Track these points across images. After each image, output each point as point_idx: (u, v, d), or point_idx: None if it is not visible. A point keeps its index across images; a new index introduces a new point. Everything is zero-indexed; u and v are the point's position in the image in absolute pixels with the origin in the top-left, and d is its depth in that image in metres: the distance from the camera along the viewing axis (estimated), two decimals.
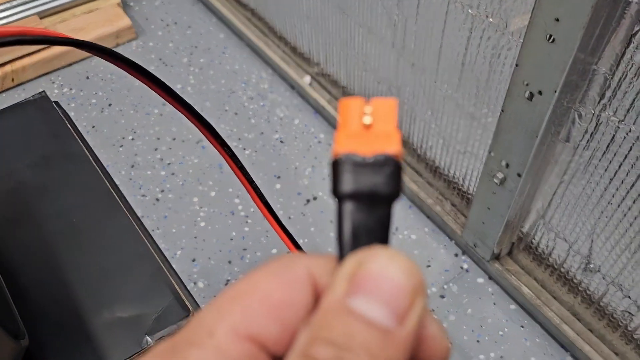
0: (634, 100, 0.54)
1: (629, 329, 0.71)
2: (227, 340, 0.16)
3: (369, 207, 0.18)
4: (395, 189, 0.18)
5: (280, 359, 0.17)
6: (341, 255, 0.18)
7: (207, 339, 0.16)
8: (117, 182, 0.56)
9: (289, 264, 0.17)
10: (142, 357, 0.15)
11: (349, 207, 0.18)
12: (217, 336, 0.16)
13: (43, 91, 0.60)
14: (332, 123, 1.07)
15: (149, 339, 0.43)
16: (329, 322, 0.15)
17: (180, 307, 0.45)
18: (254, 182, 0.41)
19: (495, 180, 0.73)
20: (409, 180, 0.93)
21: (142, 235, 0.51)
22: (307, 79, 1.10)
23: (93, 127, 1.09)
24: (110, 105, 1.12)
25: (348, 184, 0.18)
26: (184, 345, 0.16)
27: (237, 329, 0.16)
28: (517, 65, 0.61)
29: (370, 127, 0.18)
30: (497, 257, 0.84)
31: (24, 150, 0.56)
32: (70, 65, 1.19)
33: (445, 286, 0.87)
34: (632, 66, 0.53)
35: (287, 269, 0.17)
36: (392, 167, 0.18)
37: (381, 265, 0.16)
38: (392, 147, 0.18)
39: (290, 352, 0.16)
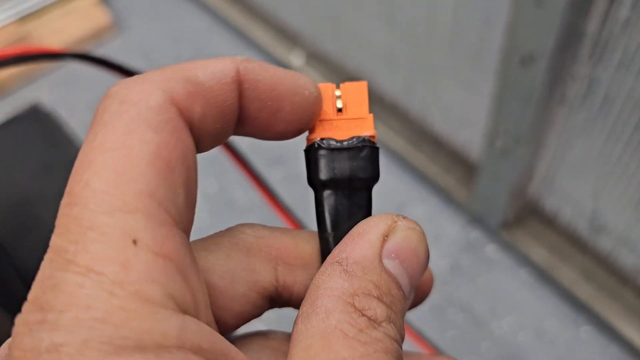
0: (621, 56, 0.58)
1: (639, 283, 0.75)
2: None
3: (349, 192, 0.18)
4: (374, 172, 0.18)
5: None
6: (324, 243, 0.18)
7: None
8: None
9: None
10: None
11: (328, 194, 0.18)
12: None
13: (37, 103, 0.64)
14: None
15: None
16: (370, 273, 0.16)
17: None
18: (256, 173, 0.44)
19: (496, 148, 0.77)
20: (413, 154, 0.97)
21: None
22: (301, 60, 1.13)
23: (86, 129, 1.12)
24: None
25: (326, 171, 0.18)
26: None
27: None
28: (506, 31, 0.64)
29: (343, 112, 0.18)
30: (505, 225, 0.87)
31: (25, 162, 0.60)
32: (56, 68, 1.22)
33: (456, 257, 0.91)
34: (616, 23, 0.57)
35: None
36: (369, 150, 0.18)
37: (415, 241, 0.17)
38: (367, 129, 0.18)
39: (325, 297, 0.16)
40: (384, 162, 1.02)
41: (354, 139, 0.18)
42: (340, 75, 1.06)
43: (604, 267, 0.79)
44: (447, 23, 0.76)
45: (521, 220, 0.87)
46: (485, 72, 0.75)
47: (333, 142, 0.18)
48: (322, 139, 0.18)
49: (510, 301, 0.86)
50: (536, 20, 0.60)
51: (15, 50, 0.37)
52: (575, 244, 0.82)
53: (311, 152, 0.18)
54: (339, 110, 0.18)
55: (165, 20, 1.31)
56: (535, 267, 0.86)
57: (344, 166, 0.18)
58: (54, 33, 1.23)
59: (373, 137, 0.18)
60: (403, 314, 0.17)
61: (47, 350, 0.12)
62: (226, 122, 0.17)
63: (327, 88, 0.18)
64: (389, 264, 0.17)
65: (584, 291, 0.80)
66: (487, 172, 0.82)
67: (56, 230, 0.14)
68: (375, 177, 0.18)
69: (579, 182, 0.74)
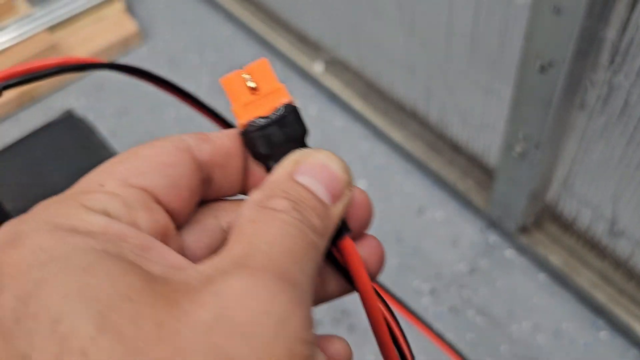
0: None
1: None
2: (118, 188, 0.18)
3: (290, 150, 0.20)
4: (303, 128, 0.21)
5: (173, 212, 0.19)
6: None
7: (99, 188, 0.18)
8: None
9: (166, 138, 0.20)
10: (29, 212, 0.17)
11: (274, 161, 0.20)
12: (108, 186, 0.18)
13: (70, 109, 0.66)
14: (348, 109, 1.11)
15: None
16: (281, 186, 0.18)
17: None
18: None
19: (515, 153, 0.77)
20: (432, 159, 0.98)
21: None
22: (321, 66, 1.14)
23: (114, 134, 1.15)
24: (127, 112, 1.18)
25: (266, 145, 0.20)
26: (76, 195, 0.18)
27: (127, 181, 0.18)
28: (525, 38, 0.65)
29: (257, 90, 0.21)
30: (523, 229, 0.88)
31: (61, 165, 0.62)
32: (84, 75, 1.25)
33: (475, 260, 0.91)
34: (637, 30, 0.57)
35: (164, 141, 0.20)
36: (292, 114, 0.21)
37: (324, 159, 0.20)
38: (283, 98, 0.21)
39: (244, 206, 0.18)
40: (404, 167, 1.02)
41: (278, 110, 0.20)
42: (361, 81, 1.07)
43: (623, 271, 0.79)
44: (466, 30, 0.76)
45: (540, 224, 0.87)
46: (504, 77, 0.75)
47: (262, 120, 0.20)
48: (251, 121, 0.20)
49: (528, 304, 0.86)
50: (555, 27, 0.61)
51: (56, 60, 0.38)
52: (594, 248, 0.82)
53: (247, 135, 0.20)
54: (253, 89, 0.21)
55: (191, 28, 1.33)
56: (554, 271, 0.86)
57: (279, 135, 0.20)
58: (83, 41, 1.26)
59: (291, 101, 0.21)
60: (327, 220, 0.18)
61: None
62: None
63: (236, 76, 0.21)
64: (300, 178, 0.19)
65: (603, 295, 0.80)
66: (506, 176, 0.82)
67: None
68: (306, 131, 0.21)
69: (599, 187, 0.73)
